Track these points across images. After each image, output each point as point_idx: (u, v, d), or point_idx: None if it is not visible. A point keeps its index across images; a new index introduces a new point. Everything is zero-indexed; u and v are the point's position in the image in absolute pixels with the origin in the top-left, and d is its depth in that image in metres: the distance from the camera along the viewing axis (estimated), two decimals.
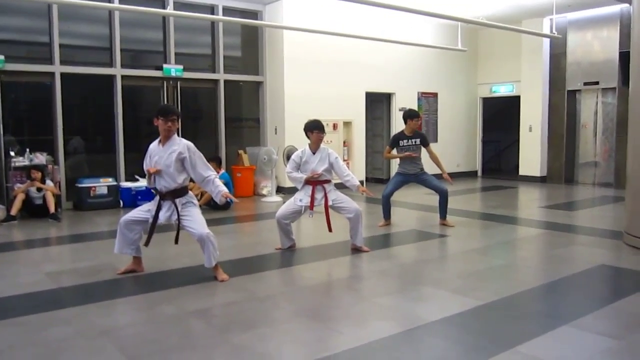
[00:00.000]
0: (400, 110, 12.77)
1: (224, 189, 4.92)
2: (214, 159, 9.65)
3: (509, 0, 10.98)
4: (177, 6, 9.95)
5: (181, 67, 10.22)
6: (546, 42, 12.72)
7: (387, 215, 7.59)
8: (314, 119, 6.13)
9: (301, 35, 10.65)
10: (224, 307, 4.27)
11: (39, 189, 8.24)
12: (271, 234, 6.68)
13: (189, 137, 5.08)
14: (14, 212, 8.01)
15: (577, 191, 11.62)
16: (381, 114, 13.13)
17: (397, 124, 12.79)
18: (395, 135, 7.75)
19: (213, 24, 10.78)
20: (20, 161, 8.49)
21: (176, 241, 5.05)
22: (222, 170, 9.52)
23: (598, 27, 12.07)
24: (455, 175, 7.79)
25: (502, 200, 10.35)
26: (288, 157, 10.03)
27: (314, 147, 6.01)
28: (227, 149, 11.01)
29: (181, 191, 4.94)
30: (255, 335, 3.65)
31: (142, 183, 9.40)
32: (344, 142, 11.86)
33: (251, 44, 11.50)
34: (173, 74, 10.13)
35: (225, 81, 10.94)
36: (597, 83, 12.21)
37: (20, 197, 8.09)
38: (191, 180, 5.08)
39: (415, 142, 7.48)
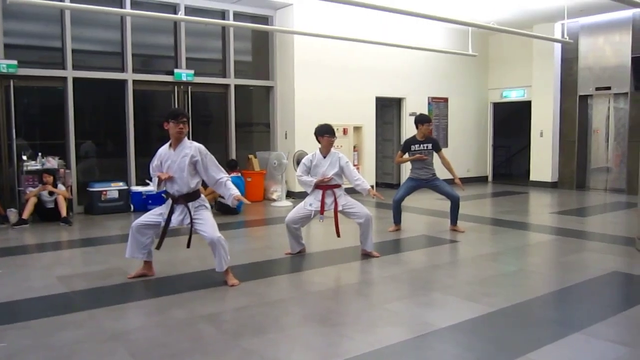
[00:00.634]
0: (410, 115, 12.74)
1: (236, 192, 4.94)
2: (228, 163, 9.71)
3: (520, 5, 10.94)
4: (188, 11, 10.00)
5: (192, 71, 10.28)
6: (557, 47, 12.67)
7: (397, 220, 7.57)
8: (324, 123, 6.14)
9: (311, 40, 10.67)
10: (234, 312, 4.27)
11: (51, 193, 8.30)
12: (281, 238, 6.68)
13: (200, 141, 5.08)
14: (25, 215, 8.07)
15: (589, 197, 11.54)
16: (391, 118, 13.12)
17: (408, 129, 12.78)
18: (407, 140, 7.74)
19: (224, 29, 10.83)
20: (32, 165, 8.56)
21: (188, 245, 5.07)
22: (236, 174, 9.52)
23: (610, 31, 12.00)
24: (466, 181, 7.76)
25: (513, 205, 10.29)
26: (298, 162, 10.03)
27: (325, 151, 6.01)
28: (237, 154, 11.03)
29: (194, 195, 4.96)
30: (265, 340, 3.65)
31: (153, 187, 9.44)
32: (354, 147, 11.87)
33: (262, 49, 11.54)
34: (184, 78, 10.19)
35: (236, 86, 10.98)
36: (609, 88, 12.13)
37: (32, 201, 8.15)
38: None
39: (427, 147, 7.46)
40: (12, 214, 8.28)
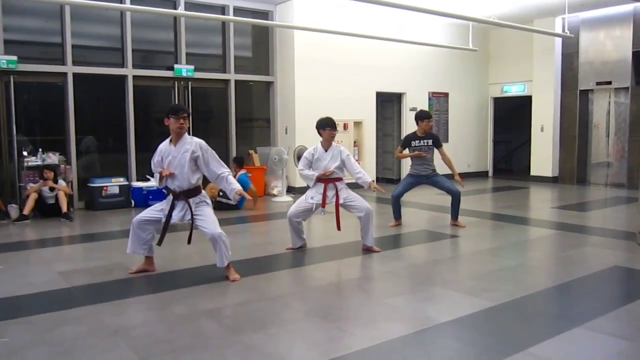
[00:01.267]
0: (411, 110, 12.74)
1: (238, 186, 4.93)
2: (235, 159, 9.70)
3: (520, 0, 10.90)
4: (188, 7, 10.00)
5: (192, 67, 10.26)
6: (558, 41, 12.64)
7: (397, 215, 7.57)
8: (326, 117, 6.13)
9: (312, 35, 10.65)
10: (235, 307, 4.28)
11: (52, 189, 8.30)
12: (281, 233, 6.68)
13: (200, 137, 5.07)
14: (26, 211, 8.08)
15: (589, 192, 11.54)
16: (392, 114, 13.11)
17: (408, 124, 12.77)
18: (408, 136, 7.73)
19: (224, 24, 10.81)
20: (32, 161, 8.56)
21: (189, 241, 5.07)
22: (243, 170, 9.50)
23: (611, 26, 11.97)
24: (466, 176, 7.77)
25: (514, 200, 10.29)
26: (299, 157, 10.03)
27: (326, 145, 6.01)
28: (237, 149, 11.03)
29: (195, 191, 4.95)
30: (266, 336, 3.66)
31: (154, 183, 9.42)
32: (355, 142, 11.86)
33: (262, 44, 11.52)
34: (184, 74, 10.17)
35: (236, 81, 10.97)
36: (609, 83, 12.11)
37: (32, 197, 8.15)
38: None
39: (427, 143, 7.45)
40: (13, 210, 8.29)
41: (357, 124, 11.86)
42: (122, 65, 9.78)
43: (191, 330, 3.77)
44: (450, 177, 7.63)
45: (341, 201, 5.92)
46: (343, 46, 11.23)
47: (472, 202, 9.69)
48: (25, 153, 8.62)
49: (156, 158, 5.01)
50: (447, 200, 7.69)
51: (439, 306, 4.29)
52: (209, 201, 5.07)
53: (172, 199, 4.95)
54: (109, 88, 9.98)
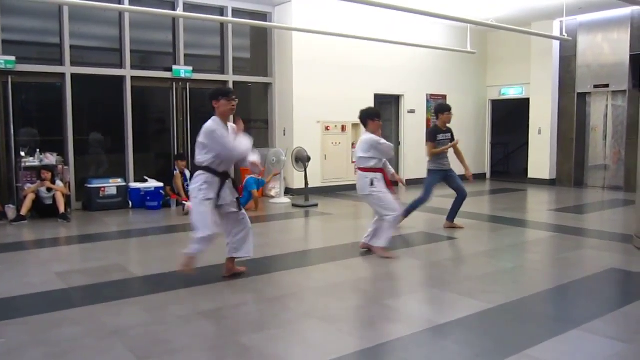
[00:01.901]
0: (409, 112, 12.77)
1: (254, 158, 5.00)
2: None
3: (518, 3, 10.94)
4: (186, 8, 10.00)
5: (190, 68, 10.25)
6: (556, 44, 12.67)
7: (407, 213, 7.40)
8: (370, 107, 6.18)
9: (310, 37, 10.65)
10: (233, 308, 4.28)
11: (49, 189, 8.29)
12: (280, 235, 6.69)
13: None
14: (24, 212, 8.06)
15: (587, 194, 11.56)
16: (390, 115, 13.11)
17: (406, 126, 12.81)
18: (433, 130, 7.49)
19: (222, 25, 10.81)
20: (30, 161, 8.55)
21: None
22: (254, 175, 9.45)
23: (609, 29, 12.01)
24: (464, 178, 7.76)
25: (511, 203, 10.30)
26: (297, 159, 10.05)
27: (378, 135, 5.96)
28: None
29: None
30: (265, 337, 3.66)
31: (151, 184, 9.45)
32: (353, 144, 11.85)
33: (260, 46, 11.53)
34: (182, 75, 10.17)
35: (235, 82, 10.96)
36: (607, 86, 12.14)
37: (30, 197, 8.14)
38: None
39: (448, 136, 7.39)
40: (11, 210, 8.27)
41: (355, 125, 11.86)
42: (121, 66, 9.77)
43: (189, 331, 3.77)
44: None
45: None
46: (341, 48, 11.24)
47: (470, 204, 9.66)
48: (22, 153, 8.61)
49: (227, 137, 4.87)
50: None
51: (437, 308, 4.30)
52: None
53: (220, 181, 4.81)
54: (107, 89, 9.96)
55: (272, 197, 10.60)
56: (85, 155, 9.70)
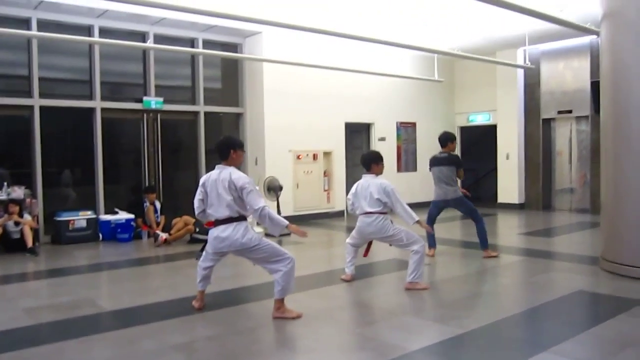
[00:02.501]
0: (379, 140, 12.91)
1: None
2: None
3: (483, 33, 11.26)
4: (157, 39, 10.03)
5: (161, 99, 10.26)
6: (520, 72, 13.04)
7: (485, 244, 7.51)
8: (374, 150, 6.35)
9: (281, 67, 10.77)
10: (205, 341, 4.24)
11: (17, 223, 8.14)
12: (250, 265, 6.65)
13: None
14: None
15: (555, 217, 11.79)
16: (360, 143, 13.26)
17: None
18: (459, 157, 7.92)
19: (193, 56, 10.87)
20: None
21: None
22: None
23: (569, 57, 12.42)
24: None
25: None
26: (269, 188, 10.06)
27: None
28: None
29: None
30: None
31: (122, 216, 9.35)
32: (325, 172, 11.94)
33: (231, 76, 11.61)
34: (153, 106, 10.16)
35: (206, 113, 10.99)
36: (570, 112, 12.50)
37: None
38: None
39: None
40: None
41: (327, 154, 11.97)
42: (91, 97, 9.72)
43: None
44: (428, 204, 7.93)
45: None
46: (312, 78, 11.38)
47: (441, 230, 9.76)
48: None
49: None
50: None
51: (409, 335, 4.32)
52: None
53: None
54: (77, 120, 9.89)
55: None
56: (54, 188, 9.57)
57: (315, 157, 11.65)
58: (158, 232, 8.95)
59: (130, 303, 5.25)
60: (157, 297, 5.52)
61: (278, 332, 4.45)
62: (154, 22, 9.88)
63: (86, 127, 9.75)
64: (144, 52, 10.27)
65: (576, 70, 12.29)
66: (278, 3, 8.55)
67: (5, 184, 8.52)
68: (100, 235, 9.25)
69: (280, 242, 8.89)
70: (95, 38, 9.41)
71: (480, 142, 15.17)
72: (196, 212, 4.97)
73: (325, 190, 11.94)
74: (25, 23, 8.98)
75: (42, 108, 9.17)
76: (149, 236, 9.32)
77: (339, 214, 12.13)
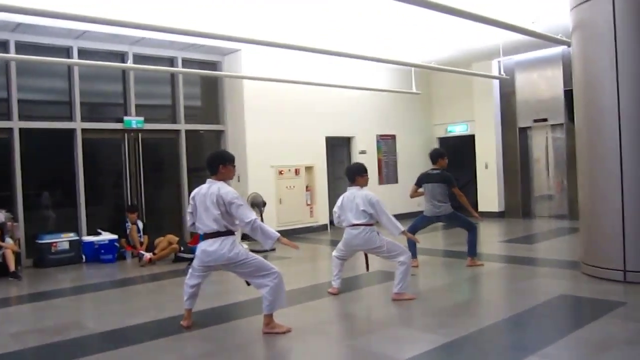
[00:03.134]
0: (360, 153, 13.02)
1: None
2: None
3: (458, 45, 11.46)
4: (136, 59, 10.06)
5: (142, 118, 10.24)
6: (496, 82, 13.29)
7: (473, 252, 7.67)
8: (358, 162, 6.37)
9: (261, 84, 10.84)
10: (196, 359, 4.25)
11: None
12: (239, 281, 6.65)
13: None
14: None
15: (535, 224, 11.98)
16: (342, 157, 13.36)
17: None
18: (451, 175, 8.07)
19: (173, 75, 10.89)
20: None
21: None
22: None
23: (543, 67, 12.71)
24: (416, 214, 7.99)
25: (464, 237, 10.49)
26: (252, 205, 10.09)
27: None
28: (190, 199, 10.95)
29: None
30: None
31: (105, 237, 9.29)
32: (307, 187, 12.00)
33: (211, 94, 11.65)
34: (134, 125, 10.14)
35: (187, 131, 10.99)
36: (545, 120, 12.77)
37: None
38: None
39: None
40: None
41: (309, 168, 12.04)
42: (71, 118, 9.69)
43: None
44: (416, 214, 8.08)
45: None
46: (292, 93, 11.47)
47: (424, 240, 9.84)
48: None
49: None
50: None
51: (399, 345, 4.38)
52: None
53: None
54: (58, 142, 9.81)
55: None
56: (35, 210, 9.48)
57: (297, 172, 11.71)
58: (142, 251, 8.92)
59: (118, 324, 5.24)
60: (144, 317, 5.50)
61: (269, 348, 4.48)
62: (133, 42, 9.90)
63: (67, 149, 9.69)
64: (124, 72, 10.26)
65: (550, 80, 12.57)
66: (256, 21, 8.65)
67: None
68: (84, 257, 9.17)
69: (266, 257, 8.91)
70: (74, 59, 9.40)
71: (459, 152, 15.34)
72: (188, 225, 5.03)
73: (308, 205, 11.99)
74: (3, 46, 8.95)
75: (21, 130, 9.11)
76: (132, 256, 9.27)
77: (323, 228, 12.18)
